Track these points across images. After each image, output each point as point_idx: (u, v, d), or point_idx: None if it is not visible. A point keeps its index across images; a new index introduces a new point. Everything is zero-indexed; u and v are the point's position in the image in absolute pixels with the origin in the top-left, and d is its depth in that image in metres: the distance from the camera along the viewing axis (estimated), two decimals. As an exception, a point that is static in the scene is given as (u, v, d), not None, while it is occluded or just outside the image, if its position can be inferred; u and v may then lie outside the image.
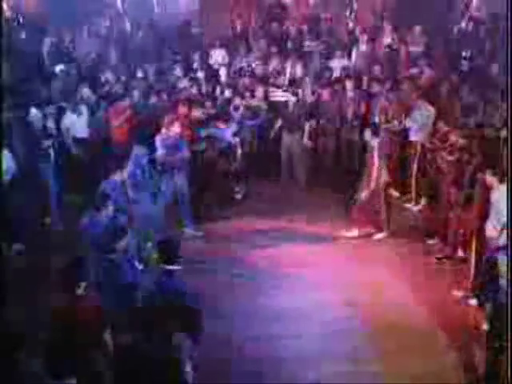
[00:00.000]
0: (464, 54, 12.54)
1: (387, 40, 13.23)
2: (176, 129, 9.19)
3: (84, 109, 10.46)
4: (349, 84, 11.34)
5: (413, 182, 10.48)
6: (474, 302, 7.78)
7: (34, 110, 9.79)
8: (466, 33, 13.54)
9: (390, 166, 10.77)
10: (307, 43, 13.38)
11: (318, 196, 10.77)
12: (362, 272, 8.49)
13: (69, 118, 10.31)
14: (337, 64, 12.56)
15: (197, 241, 9.29)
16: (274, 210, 10.24)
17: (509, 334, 6.96)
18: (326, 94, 11.40)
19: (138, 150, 8.87)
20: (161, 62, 12.47)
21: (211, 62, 12.93)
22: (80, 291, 5.56)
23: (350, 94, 11.32)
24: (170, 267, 5.88)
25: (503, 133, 9.14)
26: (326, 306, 7.78)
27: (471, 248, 7.88)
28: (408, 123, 10.52)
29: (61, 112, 10.32)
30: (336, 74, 12.27)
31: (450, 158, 8.89)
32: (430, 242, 9.32)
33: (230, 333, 7.26)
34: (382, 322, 7.48)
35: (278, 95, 11.71)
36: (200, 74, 12.09)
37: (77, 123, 10.34)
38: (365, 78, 11.77)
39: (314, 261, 8.83)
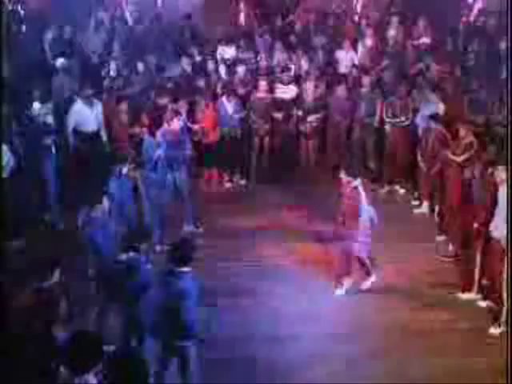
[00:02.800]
0: (470, 48, 12.38)
1: (393, 34, 13.07)
2: (176, 124, 9.07)
3: (98, 103, 10.27)
4: (365, 80, 11.20)
5: (420, 179, 10.30)
6: (482, 304, 7.69)
7: (36, 106, 9.67)
8: (473, 27, 13.36)
9: (397, 163, 10.77)
10: (313, 38, 13.24)
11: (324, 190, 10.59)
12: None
13: (79, 111, 10.05)
14: (342, 58, 12.41)
15: (196, 238, 9.19)
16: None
17: (509, 333, 6.92)
18: (339, 89, 11.25)
19: (148, 145, 8.83)
20: (163, 56, 12.36)
21: (217, 56, 12.77)
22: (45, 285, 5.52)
23: (364, 89, 11.18)
24: (180, 269, 5.76)
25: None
26: (326, 306, 7.72)
27: (476, 248, 7.75)
28: (417, 120, 10.37)
29: (63, 107, 10.18)
30: (342, 69, 12.12)
31: (456, 157, 8.75)
32: (440, 238, 9.21)
33: (230, 333, 7.21)
34: (383, 323, 7.43)
35: (282, 90, 11.56)
36: (210, 66, 11.97)
37: (90, 115, 10.10)
38: (373, 73, 11.67)
39: (315, 259, 8.73)
